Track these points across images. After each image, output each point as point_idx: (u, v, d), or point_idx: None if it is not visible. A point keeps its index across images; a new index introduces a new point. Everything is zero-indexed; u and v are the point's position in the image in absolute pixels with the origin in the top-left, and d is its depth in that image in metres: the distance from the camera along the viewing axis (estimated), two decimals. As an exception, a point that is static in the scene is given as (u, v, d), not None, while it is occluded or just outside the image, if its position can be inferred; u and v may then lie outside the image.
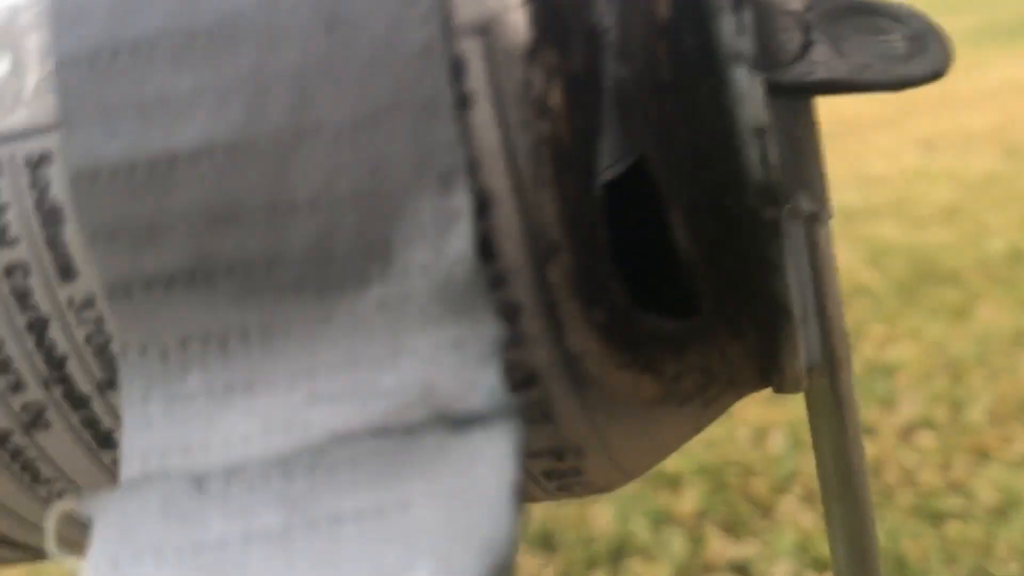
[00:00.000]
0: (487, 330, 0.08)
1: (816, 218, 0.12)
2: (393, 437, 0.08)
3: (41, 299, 0.10)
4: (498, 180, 0.09)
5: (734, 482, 0.67)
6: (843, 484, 0.13)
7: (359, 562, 0.07)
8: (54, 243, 0.10)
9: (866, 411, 0.73)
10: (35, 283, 0.10)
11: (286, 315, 0.09)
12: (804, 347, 0.12)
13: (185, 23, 0.09)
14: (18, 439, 0.10)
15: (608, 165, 0.09)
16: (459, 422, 0.08)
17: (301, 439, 0.08)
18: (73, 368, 0.10)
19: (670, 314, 0.10)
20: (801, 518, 0.61)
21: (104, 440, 0.10)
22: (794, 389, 0.11)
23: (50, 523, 0.09)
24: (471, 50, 0.09)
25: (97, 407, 0.10)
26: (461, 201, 0.08)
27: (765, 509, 0.63)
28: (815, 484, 0.55)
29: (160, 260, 0.09)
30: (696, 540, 0.60)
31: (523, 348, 0.09)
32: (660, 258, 0.10)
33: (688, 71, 0.09)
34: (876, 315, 0.93)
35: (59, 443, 0.10)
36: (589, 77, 0.09)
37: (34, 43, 0.10)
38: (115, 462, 0.10)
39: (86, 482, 0.10)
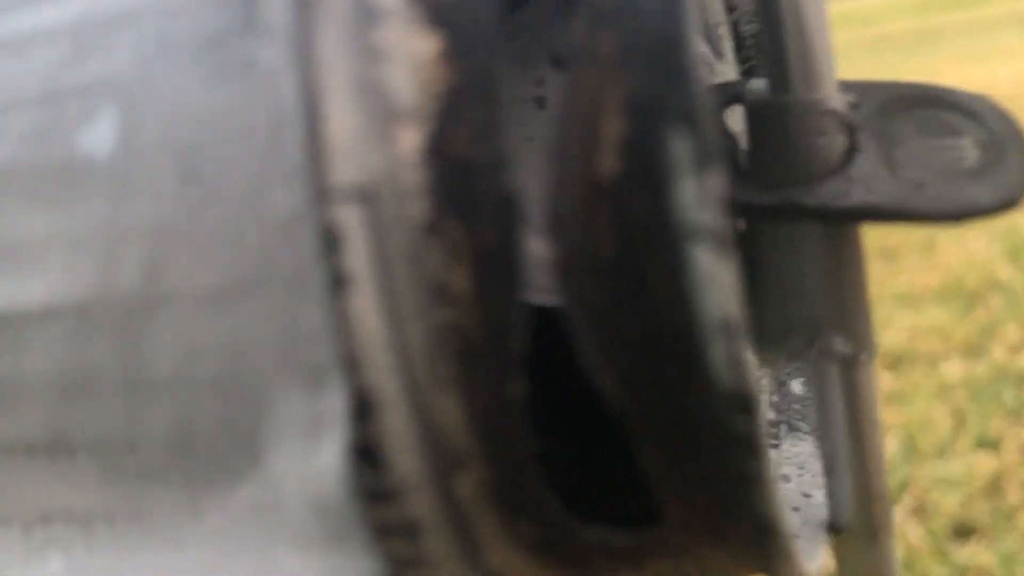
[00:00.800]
0: (364, 564, 0.07)
1: (854, 361, 0.10)
2: None
3: None
4: (385, 379, 0.07)
5: (841, 487, 0.65)
6: None
7: None
8: None
9: (990, 421, 0.69)
10: None
11: (153, 502, 0.08)
12: (834, 507, 0.11)
13: (34, 156, 0.08)
14: None
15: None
16: None
17: None
18: None
19: (626, 522, 0.09)
20: (911, 533, 0.58)
21: None
22: None
23: None
24: (350, 219, 0.07)
25: None
26: (334, 402, 0.07)
27: (872, 519, 0.61)
28: (928, 496, 0.53)
29: (17, 426, 0.08)
30: (796, 546, 0.59)
31: (425, 571, 0.08)
32: (611, 456, 0.09)
33: (637, 248, 0.07)
34: (1011, 315, 0.87)
35: None
36: (504, 255, 0.07)
37: None
38: None
39: None
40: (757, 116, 0.10)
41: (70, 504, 0.08)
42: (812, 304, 0.10)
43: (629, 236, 0.07)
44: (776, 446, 0.13)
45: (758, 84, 0.10)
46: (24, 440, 0.08)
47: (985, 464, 0.64)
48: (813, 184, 0.10)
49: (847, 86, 0.10)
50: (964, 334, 0.86)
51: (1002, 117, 0.10)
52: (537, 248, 0.08)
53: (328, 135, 0.07)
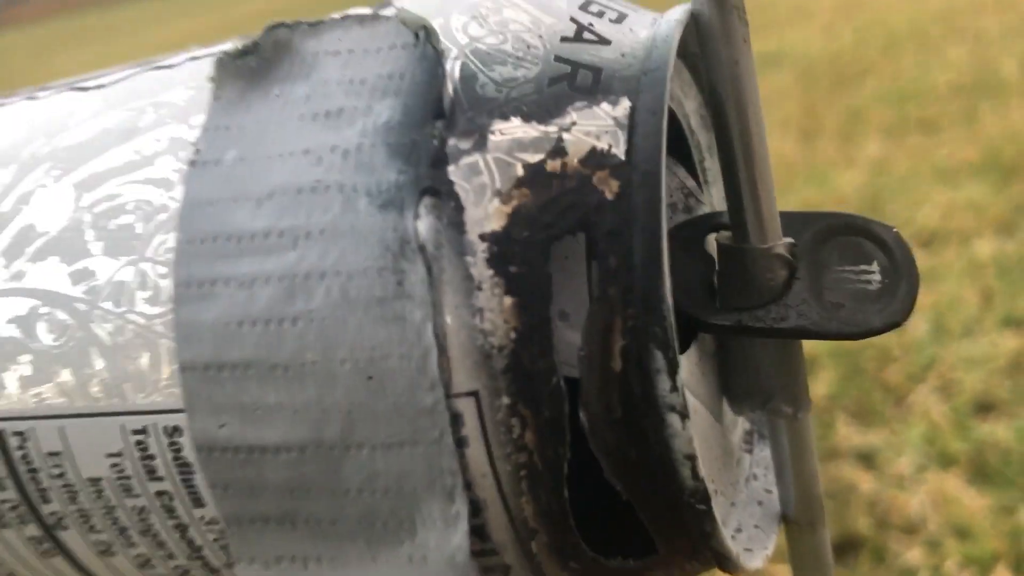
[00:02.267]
0: None
1: (795, 416, 0.14)
2: None
3: (183, 514, 0.14)
4: (488, 493, 0.12)
5: (869, 367, 0.68)
6: None
7: None
8: (189, 484, 0.14)
9: (1018, 300, 0.72)
10: (178, 505, 0.14)
11: (346, 552, 0.13)
12: (784, 505, 0.15)
13: (266, 357, 0.12)
14: None
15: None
16: None
17: None
18: (207, 553, 0.14)
19: (634, 550, 0.13)
20: (933, 410, 0.62)
21: None
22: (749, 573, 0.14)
23: None
24: (466, 407, 0.12)
25: (225, 574, 0.14)
26: (460, 508, 0.12)
27: (898, 398, 0.65)
28: (953, 374, 0.56)
29: (259, 508, 0.13)
30: (825, 425, 0.63)
31: None
32: (625, 517, 0.13)
33: (635, 413, 0.12)
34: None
35: None
36: (556, 423, 0.12)
37: (164, 346, 0.13)
38: None
39: None
40: (723, 253, 0.14)
41: (293, 551, 0.13)
42: (764, 380, 0.14)
43: (630, 407, 0.12)
44: (750, 451, 0.17)
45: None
46: (263, 515, 0.13)
47: (1009, 343, 0.67)
48: (759, 310, 0.13)
49: (788, 221, 0.14)
50: (998, 211, 0.87)
51: (903, 247, 0.13)
52: (579, 413, 0.12)
53: (452, 360, 0.12)
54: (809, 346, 0.72)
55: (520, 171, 0.12)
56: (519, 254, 0.12)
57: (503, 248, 0.12)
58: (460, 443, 0.12)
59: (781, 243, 0.13)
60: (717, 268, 0.14)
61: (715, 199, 0.18)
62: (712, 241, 0.15)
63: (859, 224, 0.14)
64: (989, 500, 0.54)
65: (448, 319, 0.12)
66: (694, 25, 0.14)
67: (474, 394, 0.12)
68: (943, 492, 0.55)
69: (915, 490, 0.56)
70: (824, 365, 0.69)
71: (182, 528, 0.14)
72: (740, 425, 0.17)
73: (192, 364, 0.13)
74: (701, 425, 0.15)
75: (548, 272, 0.12)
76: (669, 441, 0.12)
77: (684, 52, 0.16)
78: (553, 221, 0.12)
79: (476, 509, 0.12)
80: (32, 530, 0.15)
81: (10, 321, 0.14)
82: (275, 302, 0.12)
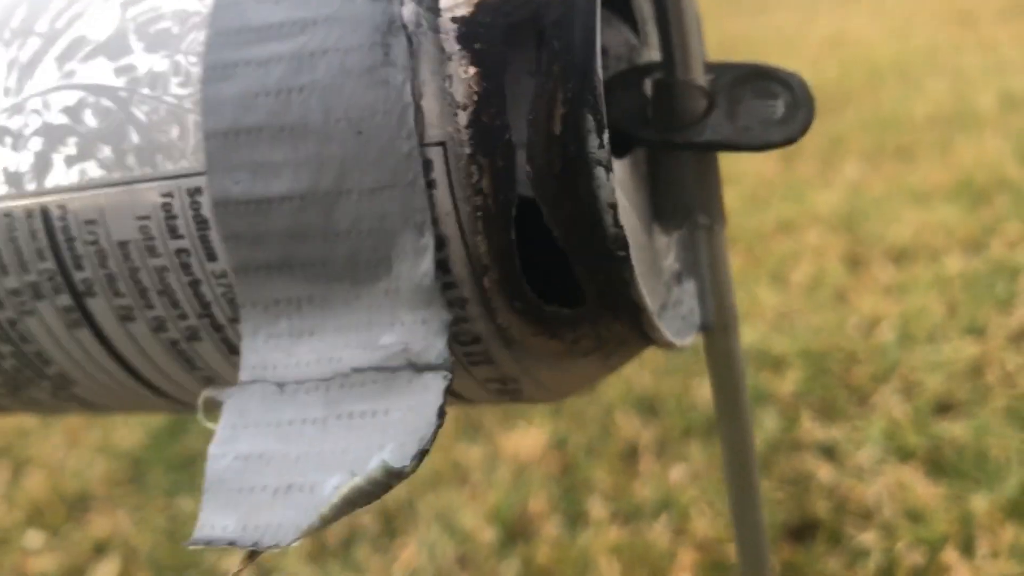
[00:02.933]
0: (442, 315, 0.14)
1: (711, 228, 0.16)
2: (384, 373, 0.14)
3: (197, 270, 0.16)
4: (451, 229, 0.15)
5: (835, 368, 0.70)
6: (730, 414, 0.17)
7: (360, 441, 0.13)
8: (204, 239, 0.16)
9: (980, 311, 0.74)
10: (193, 260, 0.16)
11: (334, 292, 0.15)
12: (702, 313, 0.17)
13: (276, 121, 0.15)
14: (183, 345, 0.17)
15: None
16: (420, 368, 0.14)
17: (336, 369, 0.15)
18: (215, 309, 0.16)
19: (570, 302, 0.16)
20: (895, 409, 0.64)
21: (232, 349, 0.16)
22: (669, 349, 0.16)
23: (199, 402, 0.15)
24: (435, 155, 0.14)
25: (229, 332, 0.16)
26: (428, 242, 0.14)
27: (861, 397, 0.67)
28: (915, 376, 0.59)
29: (263, 255, 0.15)
30: (789, 419, 0.65)
31: (470, 323, 0.15)
32: (564, 275, 0.15)
33: (570, 168, 0.14)
34: (1015, 212, 0.91)
35: (206, 349, 0.16)
36: (507, 171, 0.14)
37: (191, 120, 0.15)
38: (238, 363, 0.16)
39: (220, 369, 0.17)
40: (655, 87, 0.16)
41: (289, 294, 0.15)
42: (686, 195, 0.16)
43: (567, 162, 0.14)
44: (680, 283, 0.19)
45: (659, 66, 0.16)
46: (266, 262, 0.15)
47: (970, 349, 0.69)
48: (683, 129, 0.16)
49: (710, 67, 0.16)
50: (968, 231, 0.90)
51: (803, 86, 0.16)
52: (522, 168, 0.15)
53: (425, 115, 0.14)
54: (778, 347, 0.73)
55: None
56: (482, 35, 0.14)
57: (470, 29, 0.14)
58: (430, 185, 0.14)
59: (702, 78, 0.16)
60: (651, 101, 0.16)
61: (654, 57, 0.20)
62: (648, 83, 0.17)
63: (770, 70, 0.16)
64: (943, 489, 0.55)
65: (424, 83, 0.14)
66: None
67: (442, 144, 0.14)
68: (899, 482, 0.57)
69: (873, 480, 0.57)
70: (791, 365, 0.71)
71: (195, 284, 0.16)
72: (671, 259, 0.19)
73: (214, 131, 0.15)
74: (632, 228, 0.17)
75: (504, 50, 0.14)
76: (596, 191, 0.14)
77: None
78: (510, 11, 0.14)
79: (440, 244, 0.14)
80: (64, 300, 0.17)
81: (61, 111, 0.16)
82: (285, 76, 0.14)
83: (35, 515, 0.66)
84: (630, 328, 0.16)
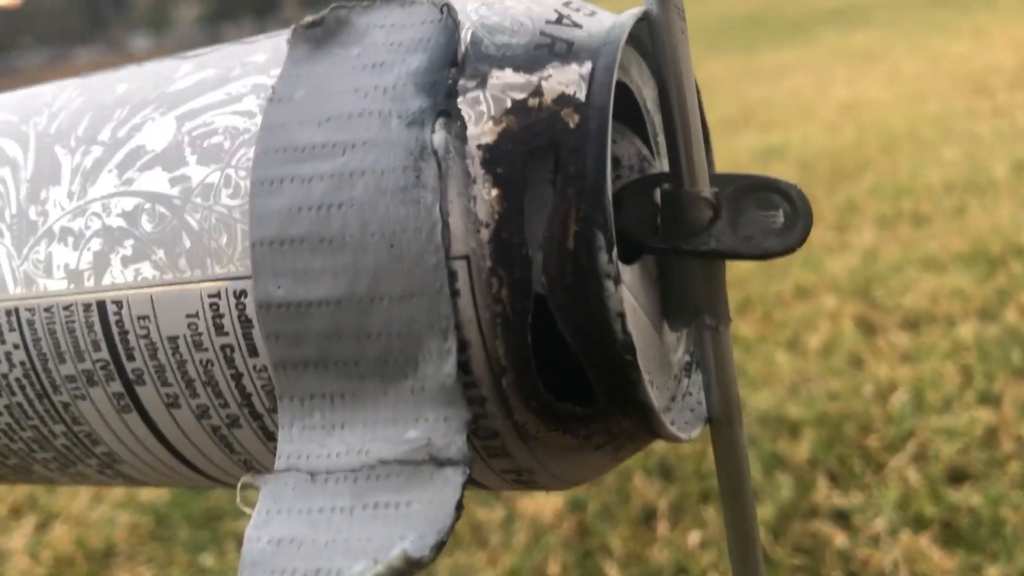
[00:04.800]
0: (463, 414, 0.16)
1: (717, 329, 0.18)
2: (408, 466, 0.16)
3: (240, 364, 0.18)
4: (472, 334, 0.16)
5: (851, 435, 0.70)
6: (734, 502, 0.19)
7: (384, 530, 0.15)
8: (248, 336, 0.17)
9: (995, 379, 0.74)
10: (237, 356, 0.18)
11: (365, 389, 0.16)
12: (708, 405, 0.18)
13: (317, 233, 0.16)
14: (224, 431, 0.18)
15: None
16: (441, 463, 0.15)
17: (363, 461, 0.16)
18: (255, 400, 0.18)
19: (583, 401, 0.17)
20: (910, 477, 0.64)
21: (269, 436, 0.18)
22: (676, 441, 0.18)
23: (239, 487, 0.17)
24: (459, 268, 0.16)
25: (267, 420, 0.18)
26: (451, 345, 0.16)
27: (877, 464, 0.67)
28: (931, 444, 0.59)
29: (301, 353, 0.17)
30: (804, 486, 0.65)
31: (489, 419, 0.17)
32: (577, 375, 0.17)
33: (582, 280, 0.16)
34: (1030, 281, 0.92)
35: (246, 436, 0.18)
36: (523, 282, 0.16)
37: (239, 229, 0.17)
38: (274, 448, 0.18)
39: (257, 454, 0.18)
40: (664, 197, 0.18)
41: (323, 389, 0.16)
42: (693, 297, 0.18)
43: (579, 275, 0.16)
44: (688, 376, 0.20)
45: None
46: (303, 360, 0.17)
47: (985, 417, 0.69)
48: (690, 237, 0.17)
49: (715, 178, 0.18)
50: (982, 298, 0.90)
51: (802, 198, 0.17)
52: (538, 282, 0.16)
53: (452, 232, 0.16)
54: (794, 412, 0.74)
55: (509, 104, 0.16)
56: (504, 160, 0.16)
57: (493, 155, 0.16)
58: (454, 294, 0.16)
59: (708, 190, 0.17)
60: (660, 210, 0.18)
61: (665, 167, 0.22)
62: (659, 193, 0.19)
63: (770, 182, 0.18)
64: (958, 560, 0.56)
65: (451, 202, 0.16)
66: (647, 22, 0.18)
67: (466, 258, 0.16)
68: (914, 551, 0.57)
69: (888, 549, 0.58)
70: (807, 431, 0.71)
71: (237, 377, 0.17)
72: (681, 352, 0.21)
73: (260, 240, 0.17)
74: (642, 328, 0.19)
75: (524, 174, 0.16)
76: (606, 301, 0.16)
77: (644, 50, 0.21)
78: (530, 139, 0.16)
79: (463, 347, 0.16)
80: (116, 387, 0.19)
81: (119, 215, 0.18)
82: (327, 192, 0.16)
83: (58, 570, 0.67)
84: (639, 424, 0.17)
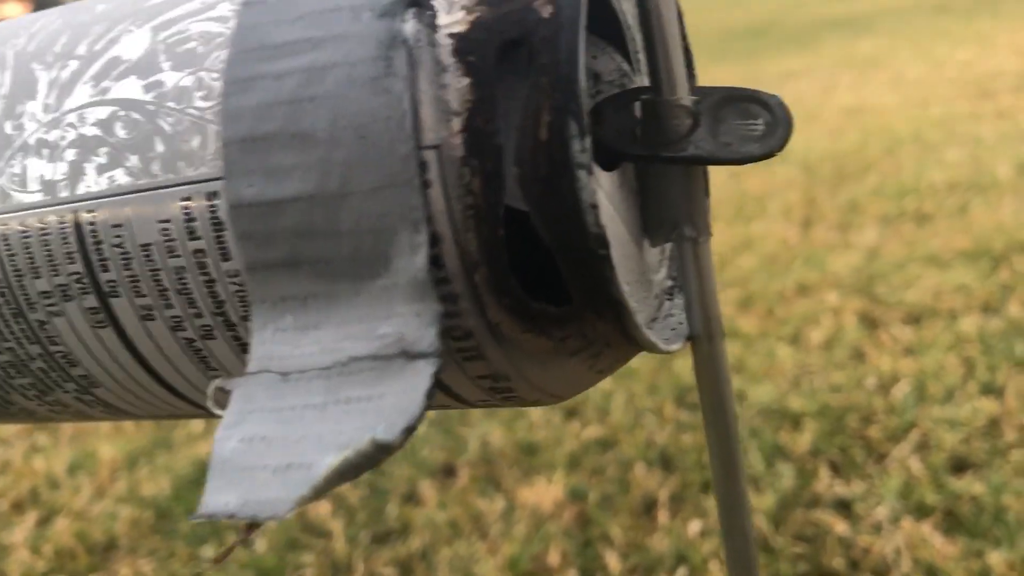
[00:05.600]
0: (434, 307, 0.15)
1: (697, 240, 0.18)
2: (380, 361, 0.15)
3: (212, 270, 0.17)
4: (444, 227, 0.16)
5: (852, 426, 0.70)
6: (716, 419, 0.19)
7: (356, 422, 0.14)
8: (220, 240, 0.17)
9: (998, 370, 0.74)
10: (209, 261, 0.17)
11: (337, 289, 0.16)
12: (689, 321, 0.18)
13: (288, 129, 0.16)
14: (198, 343, 0.18)
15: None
16: (412, 356, 0.15)
17: (336, 358, 0.16)
18: (228, 308, 0.18)
19: (557, 301, 0.17)
20: (911, 465, 0.64)
21: (243, 348, 0.18)
22: (654, 351, 0.17)
23: (210, 390, 0.17)
24: (430, 158, 0.16)
25: (240, 330, 0.18)
26: (423, 238, 0.15)
27: (879, 455, 0.67)
28: (933, 434, 0.59)
29: (273, 254, 0.16)
30: (806, 476, 0.65)
31: (462, 318, 0.16)
32: (549, 270, 0.16)
33: (555, 171, 0.16)
34: (1033, 275, 0.92)
35: (220, 348, 0.18)
36: (495, 173, 0.16)
37: (212, 130, 0.17)
38: (246, 360, 0.17)
39: (232, 369, 0.18)
40: (644, 107, 0.17)
41: (295, 291, 0.16)
42: (673, 209, 0.18)
43: (552, 166, 0.16)
44: (671, 298, 0.20)
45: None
46: (275, 261, 0.16)
47: (987, 407, 0.69)
48: (669, 145, 0.17)
49: (695, 90, 0.17)
50: (985, 292, 0.90)
51: (782, 107, 0.17)
52: (511, 171, 0.16)
53: (423, 121, 0.15)
54: (795, 405, 0.74)
55: None
56: (476, 50, 0.16)
57: (464, 44, 0.16)
58: (425, 185, 0.16)
59: (687, 98, 0.17)
60: (640, 120, 0.18)
61: (644, 82, 0.22)
62: (637, 105, 0.18)
63: (750, 92, 0.18)
64: (960, 546, 0.55)
65: (422, 91, 0.16)
66: None
67: (437, 147, 0.16)
68: (916, 538, 0.57)
69: (889, 536, 0.57)
70: (809, 423, 0.71)
71: (210, 283, 0.17)
72: (663, 275, 0.21)
73: (232, 139, 0.16)
74: (620, 239, 0.18)
75: (496, 64, 0.16)
76: (578, 192, 0.16)
77: None
78: (503, 29, 0.16)
79: (434, 240, 0.16)
80: (90, 301, 0.18)
81: (94, 124, 0.18)
82: (298, 87, 0.16)
83: (59, 564, 0.67)
84: (614, 328, 0.17)
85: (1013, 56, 2.37)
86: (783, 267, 1.08)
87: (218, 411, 0.16)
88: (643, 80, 0.21)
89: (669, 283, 0.21)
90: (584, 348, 0.17)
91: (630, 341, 0.17)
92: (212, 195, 0.17)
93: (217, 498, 0.15)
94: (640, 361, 0.85)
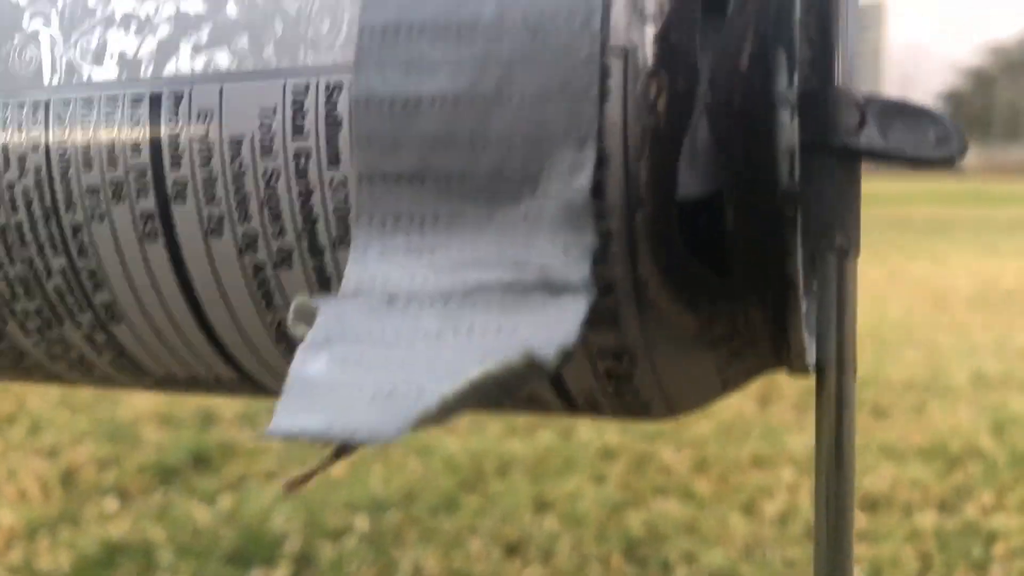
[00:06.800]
0: (588, 240, 0.13)
1: (846, 252, 0.15)
2: (514, 293, 0.13)
3: (313, 176, 0.15)
4: (615, 148, 0.13)
5: None
6: (833, 466, 0.16)
7: (480, 353, 0.12)
8: (331, 141, 0.15)
9: (955, 568, 0.72)
10: (311, 165, 0.15)
11: (465, 212, 0.14)
12: (820, 347, 0.16)
13: (444, 19, 0.14)
14: (268, 272, 0.15)
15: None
16: (556, 289, 0.13)
17: (458, 285, 0.13)
18: (319, 227, 0.15)
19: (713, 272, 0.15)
20: None
21: (323, 284, 0.15)
22: (800, 367, 0.15)
23: (293, 304, 0.14)
24: (615, 64, 0.13)
25: (328, 259, 0.15)
26: (589, 156, 0.13)
27: None
28: None
29: (396, 163, 0.14)
30: None
31: (608, 265, 0.14)
32: (713, 231, 0.14)
33: (754, 105, 0.14)
34: (987, 482, 0.91)
35: (294, 280, 0.15)
36: (687, 96, 0.14)
37: (346, 16, 0.15)
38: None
39: None
40: (805, 97, 0.16)
41: (414, 210, 0.14)
42: (827, 211, 0.15)
43: (749, 98, 0.14)
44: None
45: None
46: (397, 172, 0.14)
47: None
48: (840, 135, 0.15)
49: (864, 96, 0.16)
50: (941, 490, 0.89)
51: (955, 124, 0.15)
52: (703, 94, 0.14)
53: (612, 21, 0.13)
54: (747, 573, 0.70)
55: None
56: None
57: None
58: (603, 95, 0.13)
59: (857, 92, 0.15)
60: (800, 111, 0.16)
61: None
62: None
63: (919, 106, 0.16)
64: None
65: None
66: None
67: (625, 53, 0.13)
68: None
69: None
70: (760, 595, 0.68)
71: (307, 194, 0.15)
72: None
73: (371, 25, 0.14)
74: None
75: None
76: (777, 132, 0.13)
77: None
78: None
79: (601, 161, 0.13)
80: (147, 203, 0.16)
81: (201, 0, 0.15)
82: None
83: None
84: (768, 322, 0.14)
85: (966, 276, 2.46)
86: (739, 437, 1.06)
87: (299, 329, 0.13)
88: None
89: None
90: (727, 340, 0.15)
91: (778, 346, 0.15)
92: (334, 87, 0.14)
93: (295, 418, 0.12)
94: (590, 505, 0.82)
